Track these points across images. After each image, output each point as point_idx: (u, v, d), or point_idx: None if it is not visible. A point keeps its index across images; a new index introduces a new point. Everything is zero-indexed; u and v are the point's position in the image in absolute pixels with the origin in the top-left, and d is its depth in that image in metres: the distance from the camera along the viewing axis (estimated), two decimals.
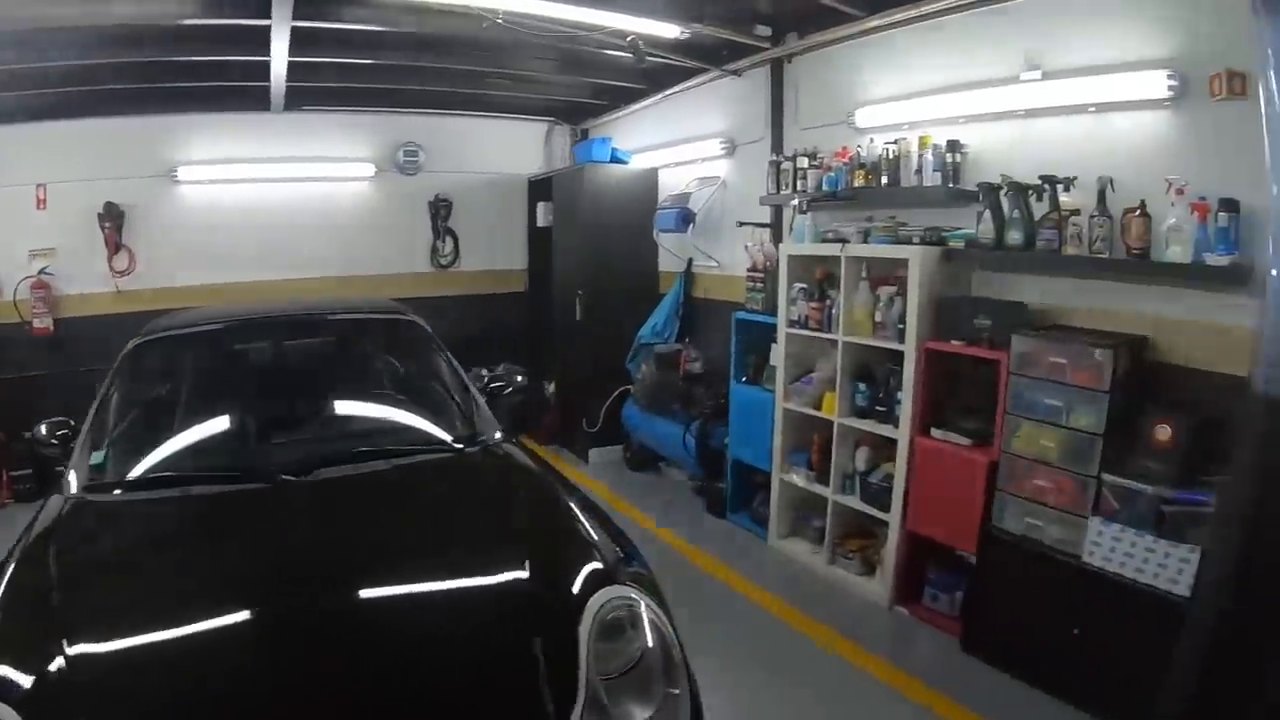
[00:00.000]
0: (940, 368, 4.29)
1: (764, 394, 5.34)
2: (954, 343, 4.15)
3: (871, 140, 4.90)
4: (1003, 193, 3.96)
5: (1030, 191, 3.87)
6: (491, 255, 8.46)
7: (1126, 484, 3.31)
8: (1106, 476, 3.39)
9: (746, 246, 5.73)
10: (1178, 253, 3.28)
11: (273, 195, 7.43)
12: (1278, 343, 2.18)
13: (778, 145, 5.78)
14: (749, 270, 5.64)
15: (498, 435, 3.29)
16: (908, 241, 4.38)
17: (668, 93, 6.84)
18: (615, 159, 7.20)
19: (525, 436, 6.76)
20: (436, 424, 3.33)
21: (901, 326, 4.36)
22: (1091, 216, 3.59)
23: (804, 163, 5.29)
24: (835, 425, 4.78)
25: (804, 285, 4.97)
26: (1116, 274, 3.63)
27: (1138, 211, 3.42)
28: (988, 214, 4.04)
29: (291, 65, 5.54)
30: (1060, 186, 3.76)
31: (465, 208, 8.26)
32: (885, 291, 4.48)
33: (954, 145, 4.41)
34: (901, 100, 4.79)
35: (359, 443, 3.05)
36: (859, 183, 4.85)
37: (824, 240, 4.85)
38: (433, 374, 3.71)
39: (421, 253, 8.16)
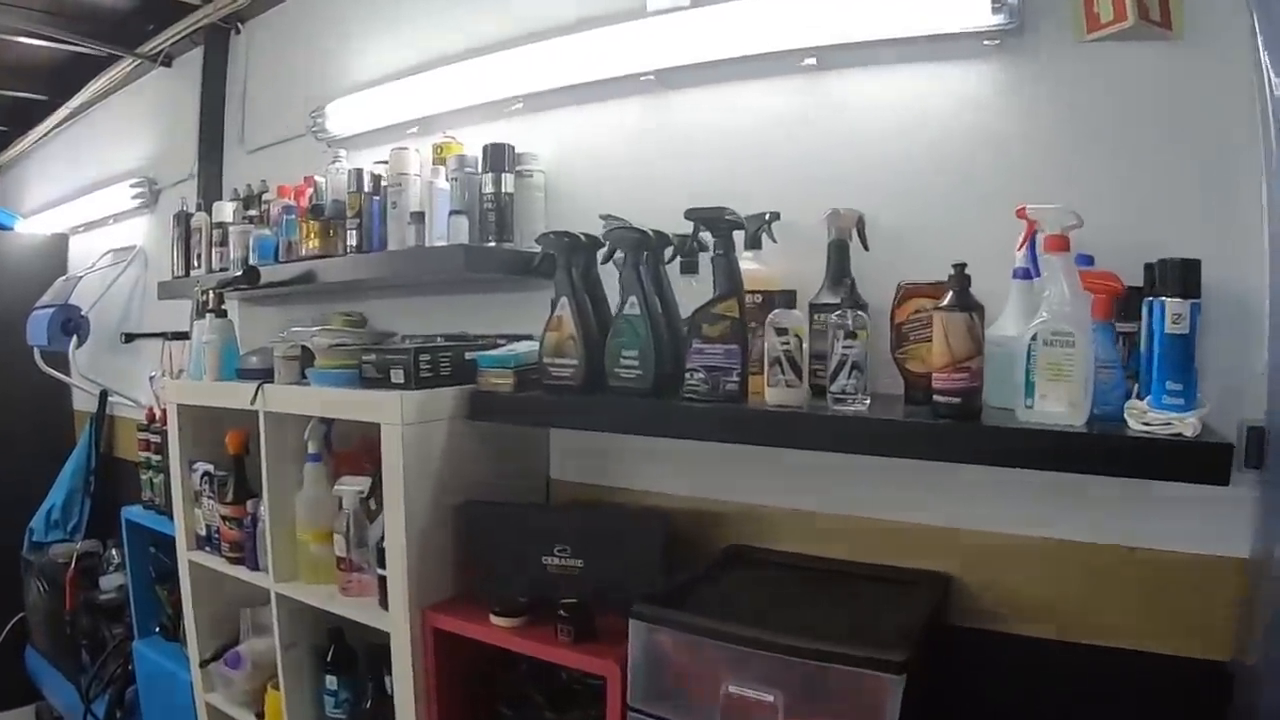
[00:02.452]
0: (469, 670, 1.93)
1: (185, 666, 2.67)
2: (495, 619, 1.79)
3: (344, 160, 2.44)
4: (609, 253, 1.78)
5: (674, 247, 1.78)
6: None
7: None
8: None
9: (151, 378, 3.04)
10: (1057, 399, 1.25)
11: None
12: None
13: (211, 185, 3.17)
14: (141, 429, 2.95)
15: None
16: (380, 377, 1.89)
17: (76, 103, 4.01)
18: None
19: None
20: None
21: (383, 573, 1.87)
22: (825, 312, 1.60)
23: (229, 213, 2.71)
24: None
25: (210, 469, 2.35)
26: (890, 447, 1.46)
27: (946, 299, 1.38)
28: (566, 304, 1.78)
29: None
30: (743, 231, 1.71)
31: None
32: (352, 489, 1.97)
33: (502, 156, 2.14)
34: (409, 76, 2.50)
35: None
36: (311, 245, 2.34)
37: (245, 371, 2.25)
38: None
39: None
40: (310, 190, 2.52)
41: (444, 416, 1.90)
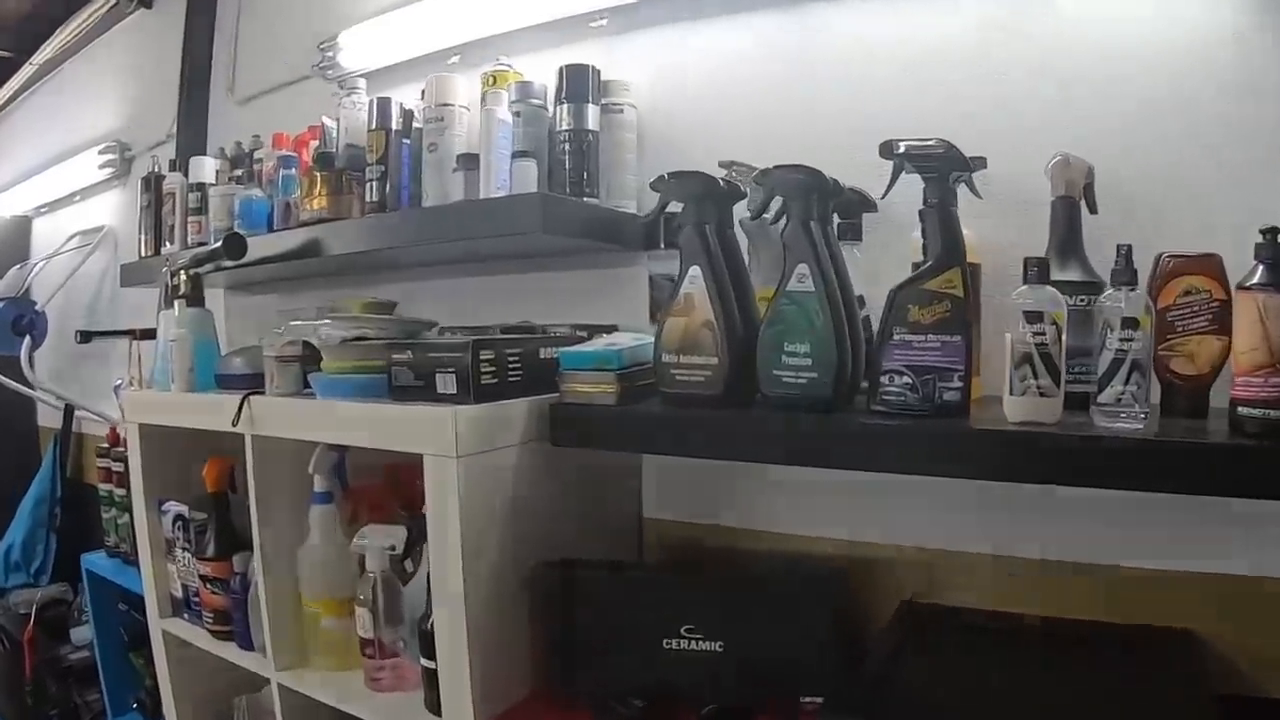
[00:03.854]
0: None
1: None
2: None
3: (362, 92, 1.86)
4: (763, 203, 1.22)
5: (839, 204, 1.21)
6: None
7: None
8: None
9: (116, 388, 2.48)
10: None
11: None
12: None
13: (194, 146, 2.58)
14: (100, 454, 2.39)
15: None
16: (419, 385, 1.29)
17: (44, 57, 3.45)
18: None
19: None
20: None
21: (429, 664, 1.34)
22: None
23: (210, 171, 2.13)
24: None
25: (184, 512, 1.77)
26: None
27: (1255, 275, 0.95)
28: (700, 276, 1.24)
29: None
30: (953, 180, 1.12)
31: None
32: (379, 545, 1.39)
33: (585, 81, 1.59)
34: None
35: None
36: (318, 205, 1.75)
37: (226, 378, 1.67)
38: None
39: None
40: (317, 139, 1.93)
41: (514, 442, 1.32)
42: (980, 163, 1.12)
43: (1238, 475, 0.91)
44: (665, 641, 1.31)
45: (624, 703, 1.27)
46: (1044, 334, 1.02)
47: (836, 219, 1.26)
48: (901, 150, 1.09)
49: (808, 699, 1.26)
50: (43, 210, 3.75)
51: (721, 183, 1.25)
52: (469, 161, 1.56)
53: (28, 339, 2.95)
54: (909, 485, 1.23)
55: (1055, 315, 1.02)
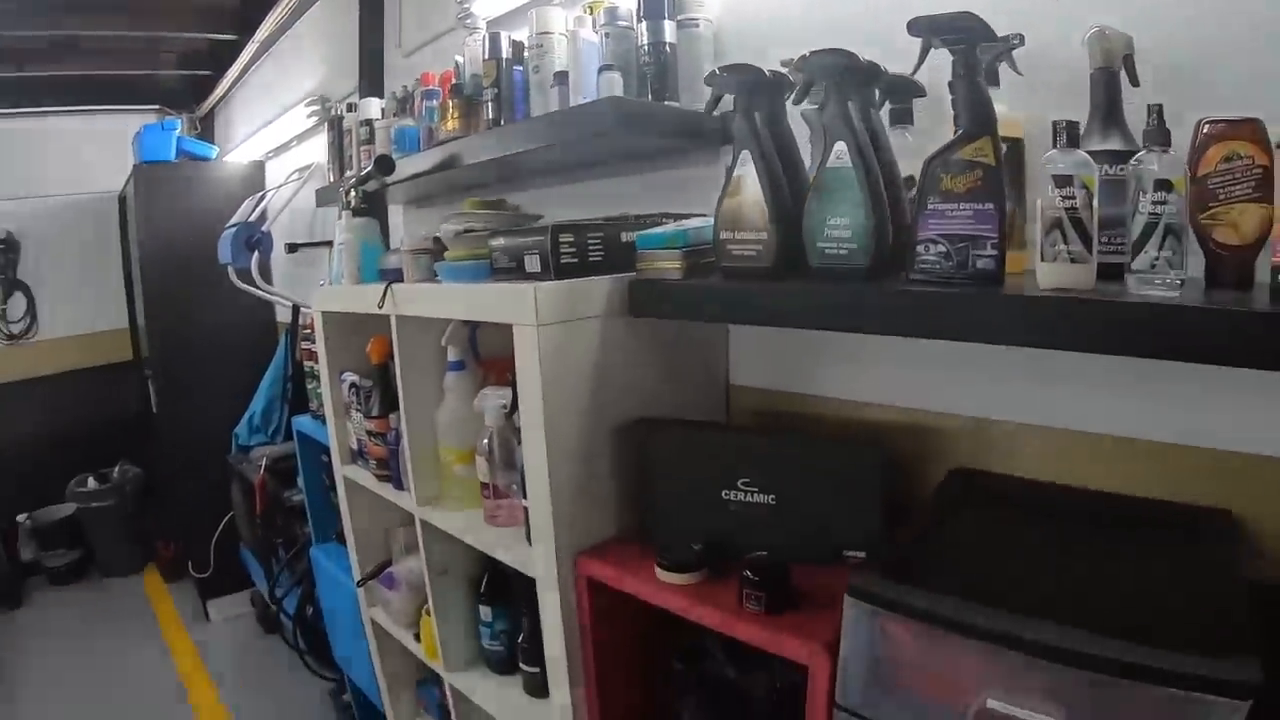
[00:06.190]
0: (635, 619, 1.31)
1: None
2: (662, 574, 1.14)
3: (481, 30, 1.80)
4: (804, 88, 1.08)
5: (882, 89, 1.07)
6: (85, 312, 4.88)
7: None
8: None
9: (320, 287, 2.56)
10: None
11: None
12: None
13: (374, 91, 2.61)
14: (304, 338, 2.48)
15: None
16: (511, 267, 1.25)
17: (261, 36, 3.53)
18: (190, 153, 3.84)
19: (150, 569, 4.61)
20: None
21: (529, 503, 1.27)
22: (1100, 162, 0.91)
23: (376, 110, 2.14)
24: (446, 685, 1.74)
25: (356, 378, 1.80)
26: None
27: None
28: (749, 159, 1.13)
29: None
30: (987, 56, 0.94)
31: (40, 249, 4.69)
32: (494, 403, 1.35)
33: (663, 2, 1.45)
34: None
35: None
36: (450, 129, 1.71)
37: (386, 272, 1.67)
38: None
39: None
40: (452, 75, 1.90)
41: (595, 313, 1.27)
42: (1019, 39, 0.97)
43: (1276, 345, 0.73)
44: (724, 493, 1.25)
45: (686, 548, 1.22)
46: (1074, 198, 0.86)
47: (888, 104, 1.12)
48: (924, 23, 0.94)
49: (850, 553, 1.18)
50: (270, 155, 3.92)
51: (768, 73, 1.13)
52: (562, 78, 1.50)
53: (256, 254, 3.08)
54: (968, 357, 1.14)
55: (1085, 179, 0.87)
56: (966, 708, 0.85)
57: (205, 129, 4.84)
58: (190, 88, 4.62)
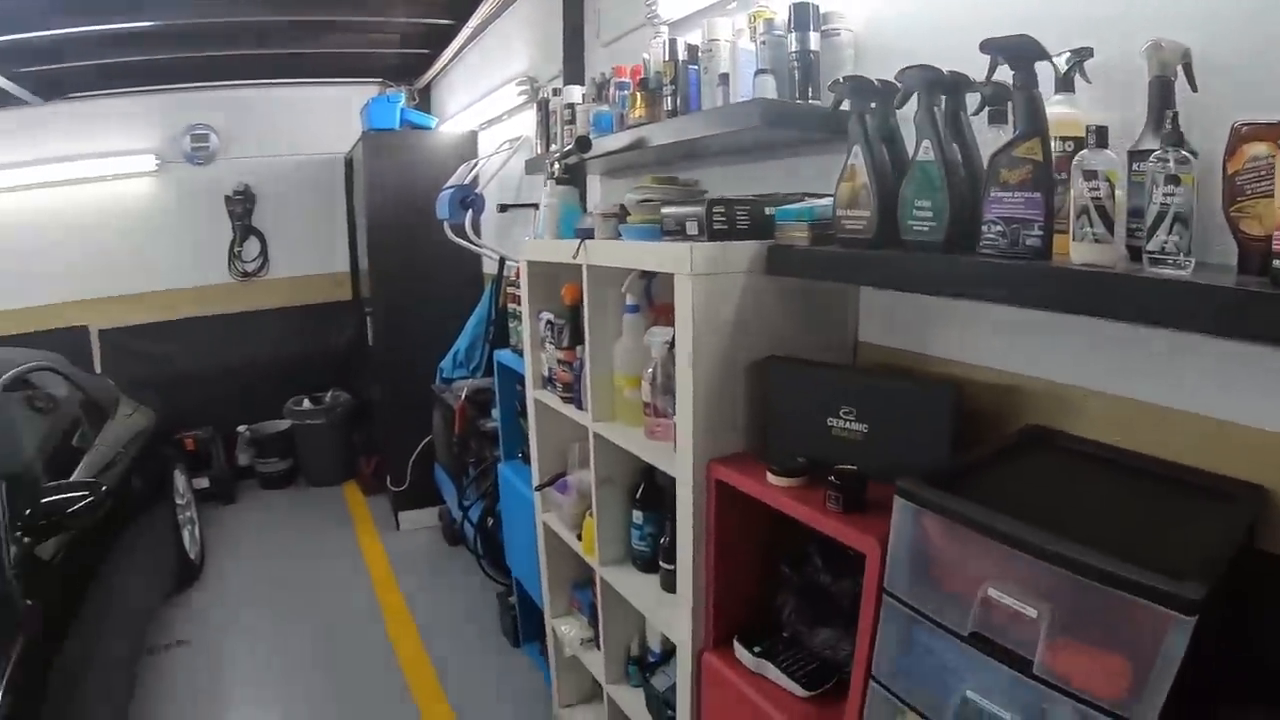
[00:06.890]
0: (750, 524, 1.67)
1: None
2: (772, 478, 1.50)
3: (668, 38, 2.17)
4: (903, 96, 1.37)
5: (969, 93, 1.32)
6: (309, 256, 5.80)
7: None
8: None
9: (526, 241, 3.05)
10: None
11: (34, 204, 5.06)
12: None
13: (575, 76, 3.05)
14: (509, 284, 2.97)
15: None
16: (677, 230, 1.64)
17: (474, 23, 4.09)
18: (411, 123, 4.49)
19: (350, 483, 5.40)
20: None
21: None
22: (1145, 160, 1.08)
23: (578, 95, 2.57)
24: (597, 577, 2.20)
25: (551, 316, 2.26)
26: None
27: None
28: (859, 152, 1.41)
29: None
30: (1060, 67, 1.25)
31: (273, 200, 5.64)
32: (660, 339, 1.76)
33: (807, 14, 1.77)
34: None
35: None
36: (637, 115, 2.12)
37: (581, 231, 2.12)
38: None
39: (219, 259, 5.52)
40: (641, 70, 2.29)
41: (739, 270, 1.62)
42: (1089, 52, 1.22)
43: (1269, 317, 0.88)
44: (829, 420, 1.53)
45: (793, 460, 1.52)
46: (1099, 189, 1.05)
47: (987, 109, 1.32)
48: (992, 44, 1.18)
49: None
50: (483, 126, 4.49)
51: (876, 83, 1.42)
52: (724, 79, 1.84)
53: (470, 212, 3.63)
54: (1043, 324, 1.32)
55: (1109, 174, 1.05)
56: (975, 596, 1.07)
57: (422, 100, 5.54)
58: (408, 64, 5.31)
